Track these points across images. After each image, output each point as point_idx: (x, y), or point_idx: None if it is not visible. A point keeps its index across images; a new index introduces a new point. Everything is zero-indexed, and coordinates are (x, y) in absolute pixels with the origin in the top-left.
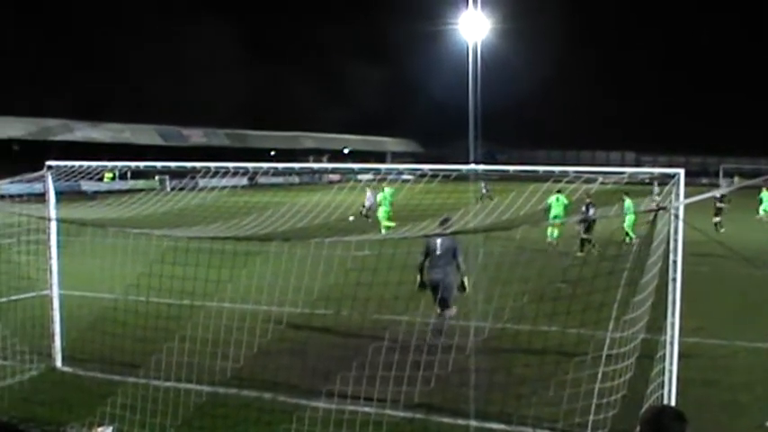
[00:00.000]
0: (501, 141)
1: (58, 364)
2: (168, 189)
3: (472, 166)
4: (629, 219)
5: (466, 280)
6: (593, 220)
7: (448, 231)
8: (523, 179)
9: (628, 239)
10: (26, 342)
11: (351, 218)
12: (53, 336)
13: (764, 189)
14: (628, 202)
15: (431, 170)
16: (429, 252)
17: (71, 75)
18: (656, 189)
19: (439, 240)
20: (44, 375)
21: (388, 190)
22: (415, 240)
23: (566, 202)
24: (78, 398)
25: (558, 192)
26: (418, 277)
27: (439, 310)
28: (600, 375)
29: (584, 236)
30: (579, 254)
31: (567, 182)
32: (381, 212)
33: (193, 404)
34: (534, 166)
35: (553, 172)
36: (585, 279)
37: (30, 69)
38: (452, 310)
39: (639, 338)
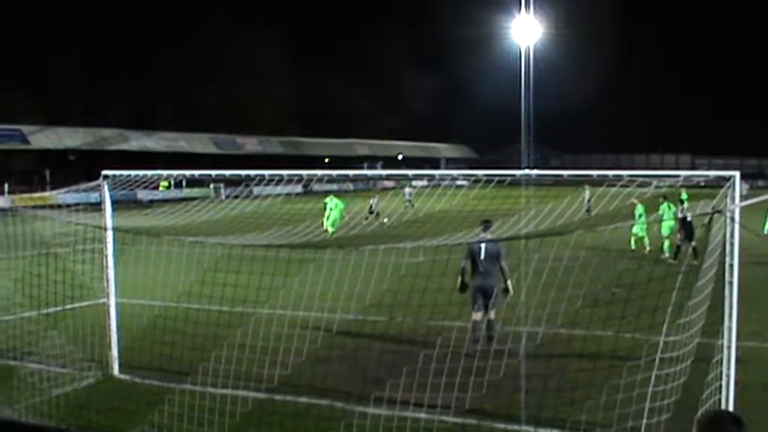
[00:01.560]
0: (555, 146)
1: (115, 371)
2: (223, 197)
3: (525, 171)
4: (667, 225)
5: (510, 283)
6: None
7: (502, 237)
8: (577, 184)
9: (667, 253)
10: (83, 350)
11: (385, 220)
12: (110, 343)
13: None
14: (665, 205)
15: (484, 176)
16: (473, 256)
17: (126, 84)
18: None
19: (483, 244)
20: (101, 383)
21: (336, 201)
22: (467, 247)
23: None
24: (134, 405)
25: (665, 198)
26: (459, 280)
27: (478, 315)
28: (653, 379)
29: (681, 242)
30: (673, 261)
31: (622, 186)
32: (331, 218)
33: (246, 411)
34: (587, 171)
35: (607, 176)
36: (640, 283)
37: (85, 79)
38: (493, 313)
39: (695, 342)
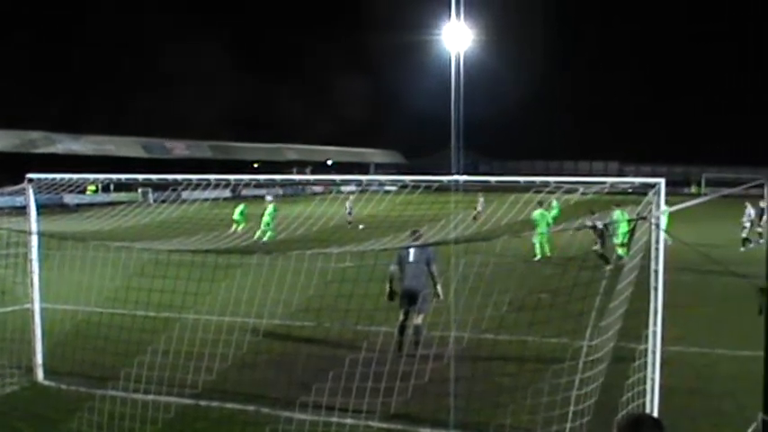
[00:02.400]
0: (485, 152)
1: (40, 378)
2: (151, 201)
3: (454, 176)
4: (621, 232)
5: (440, 288)
6: (603, 233)
7: (428, 242)
8: (505, 190)
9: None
10: (7, 356)
11: (360, 227)
12: (34, 349)
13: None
14: (618, 212)
15: (412, 181)
16: (401, 262)
17: (53, 87)
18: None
19: (412, 250)
20: (25, 389)
21: (271, 206)
22: (396, 252)
23: (553, 213)
24: (59, 412)
25: (617, 205)
26: (387, 287)
27: (402, 318)
28: (577, 383)
29: (598, 249)
30: (608, 267)
31: (548, 192)
32: (262, 223)
33: (172, 417)
34: (516, 177)
35: (534, 182)
36: (565, 288)
37: (11, 81)
38: (421, 318)
39: (611, 345)
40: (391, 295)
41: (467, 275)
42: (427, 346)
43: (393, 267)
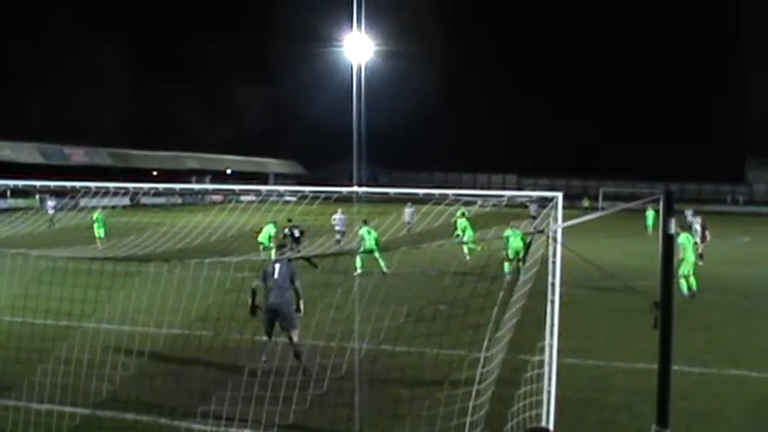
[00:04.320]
0: (385, 164)
1: None
2: (49, 211)
3: (354, 188)
4: (515, 246)
5: (302, 303)
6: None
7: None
8: (405, 201)
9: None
10: None
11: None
12: None
13: (649, 208)
14: (509, 230)
15: (312, 192)
16: (266, 278)
17: None
18: (533, 209)
19: (277, 265)
20: None
21: (100, 214)
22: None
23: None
24: None
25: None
26: (249, 301)
27: (267, 338)
28: (474, 394)
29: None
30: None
31: (447, 204)
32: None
33: (71, 426)
34: (415, 189)
35: (433, 195)
36: (463, 299)
37: None
38: (296, 335)
39: (501, 357)
40: (253, 310)
41: (365, 286)
42: (325, 356)
43: (257, 283)
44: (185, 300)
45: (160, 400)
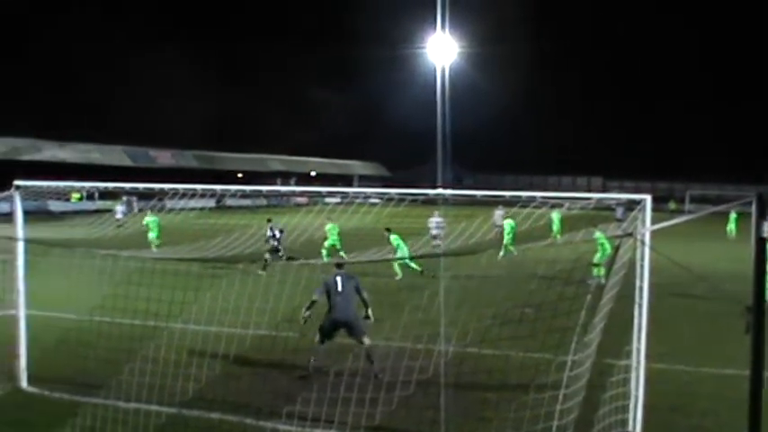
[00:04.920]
0: (468, 166)
1: (24, 384)
2: (135, 210)
3: (440, 190)
4: (605, 253)
5: (370, 311)
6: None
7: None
8: (490, 204)
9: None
10: None
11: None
12: (18, 356)
13: (732, 211)
14: (598, 233)
15: (398, 194)
16: (329, 291)
17: (39, 94)
18: (619, 212)
19: (340, 279)
20: (9, 396)
21: (151, 218)
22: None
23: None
24: (43, 419)
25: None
26: (306, 312)
27: (322, 342)
28: (561, 398)
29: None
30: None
31: (534, 207)
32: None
33: (156, 426)
34: (502, 191)
35: (520, 197)
36: (550, 303)
37: None
38: (368, 340)
39: (590, 361)
40: (306, 320)
41: (452, 289)
42: (413, 358)
43: (319, 297)
44: (272, 301)
45: (246, 401)
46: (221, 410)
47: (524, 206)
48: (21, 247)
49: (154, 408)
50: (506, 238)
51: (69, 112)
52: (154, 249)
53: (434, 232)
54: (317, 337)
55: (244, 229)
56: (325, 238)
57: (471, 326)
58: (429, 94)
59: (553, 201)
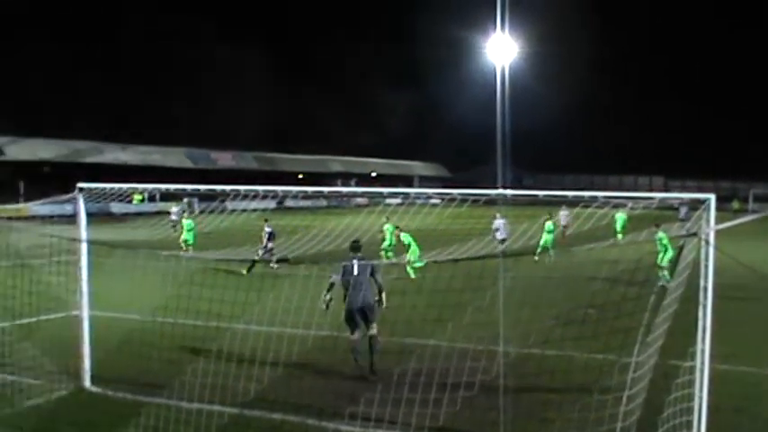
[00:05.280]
0: (528, 166)
1: (87, 384)
2: (197, 212)
3: (501, 190)
4: (667, 254)
5: (384, 296)
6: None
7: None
8: (553, 204)
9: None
10: (55, 362)
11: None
12: (82, 356)
13: None
14: (661, 234)
15: (460, 194)
16: (345, 274)
17: (101, 97)
18: (683, 212)
19: (356, 262)
20: (72, 395)
21: (187, 221)
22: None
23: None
24: (105, 418)
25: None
26: (326, 296)
27: (357, 335)
28: (624, 399)
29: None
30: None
31: (597, 207)
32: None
33: (218, 426)
34: (563, 191)
35: (582, 197)
36: (613, 303)
37: (60, 92)
38: (375, 329)
39: (653, 361)
40: (328, 304)
41: (514, 290)
42: (476, 359)
43: (335, 278)
44: (334, 302)
45: (308, 401)
46: (283, 411)
47: (587, 206)
48: (84, 248)
49: (216, 408)
50: (545, 239)
51: (131, 114)
52: (182, 253)
53: (499, 236)
54: (348, 331)
55: (306, 229)
56: (383, 239)
57: (534, 327)
58: (489, 95)
59: (616, 201)
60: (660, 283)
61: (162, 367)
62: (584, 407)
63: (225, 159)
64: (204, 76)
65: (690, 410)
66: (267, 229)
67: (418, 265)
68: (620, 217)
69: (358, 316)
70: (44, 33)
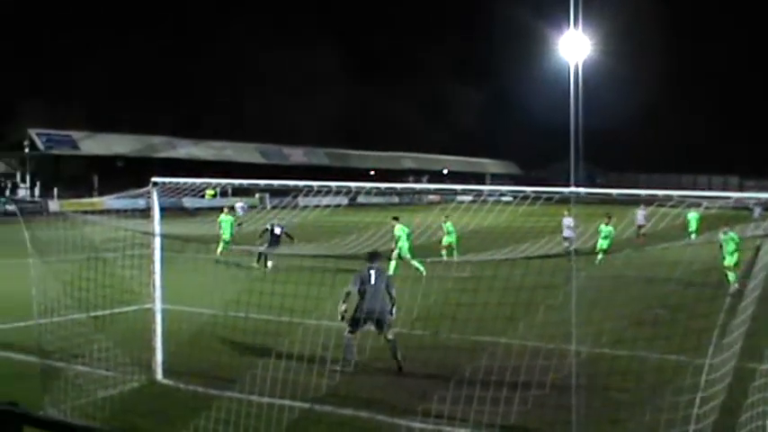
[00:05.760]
0: (600, 164)
1: (159, 376)
2: (268, 207)
3: (573, 188)
4: (733, 255)
5: (395, 309)
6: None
7: (549, 255)
8: (625, 203)
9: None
10: (128, 354)
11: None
12: (154, 349)
13: None
14: (732, 234)
15: (533, 192)
16: (363, 284)
17: (174, 93)
18: (757, 212)
19: (373, 273)
20: (145, 387)
21: (226, 217)
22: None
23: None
24: (177, 411)
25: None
26: (343, 306)
27: (355, 335)
28: (698, 401)
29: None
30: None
31: (671, 206)
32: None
33: (289, 421)
34: (637, 190)
35: (656, 196)
36: (686, 304)
37: (134, 87)
38: (391, 333)
39: (732, 364)
40: (344, 315)
41: (586, 288)
42: (547, 357)
43: (352, 288)
44: (407, 298)
45: (379, 397)
46: (354, 407)
47: (661, 205)
48: (157, 242)
49: (287, 402)
50: (601, 243)
51: (203, 110)
52: (218, 253)
53: (566, 234)
54: (348, 329)
55: (379, 226)
56: (444, 236)
57: (606, 326)
58: (561, 92)
59: (690, 200)
60: (733, 288)
61: (233, 361)
62: (656, 408)
63: (297, 155)
64: (276, 72)
65: (766, 414)
66: (277, 230)
67: (416, 263)
68: (694, 217)
69: (370, 323)
70: (119, 32)
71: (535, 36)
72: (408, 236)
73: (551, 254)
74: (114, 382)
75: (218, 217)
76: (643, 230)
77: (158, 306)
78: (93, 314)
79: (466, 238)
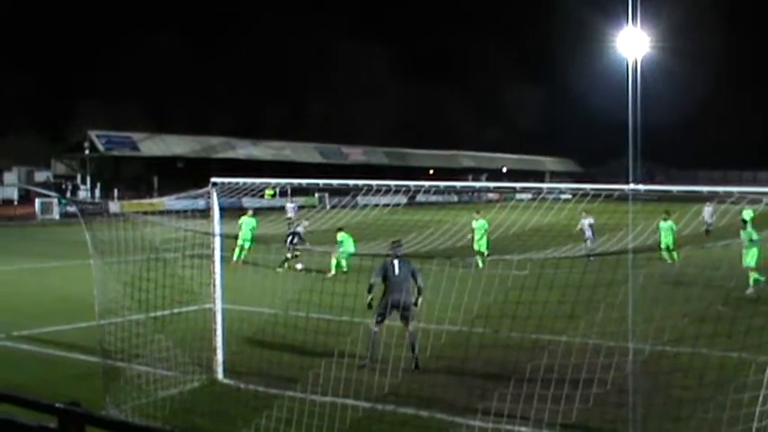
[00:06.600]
0: (659, 161)
1: (219, 376)
2: (327, 206)
3: (632, 185)
4: (754, 252)
5: (421, 299)
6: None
7: (609, 252)
8: (686, 200)
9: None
10: (188, 354)
11: None
12: (215, 348)
13: None
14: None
15: (592, 190)
16: (386, 275)
17: (233, 94)
18: None
19: (397, 262)
20: (205, 387)
21: (248, 219)
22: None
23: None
24: (238, 410)
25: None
26: (368, 297)
27: (379, 327)
28: (761, 399)
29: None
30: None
31: (732, 203)
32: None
33: (351, 420)
34: (697, 186)
35: (717, 192)
36: (749, 302)
37: (193, 89)
38: (413, 325)
39: None
40: (370, 304)
41: (647, 286)
42: (608, 355)
43: (376, 279)
44: (467, 297)
45: (440, 396)
46: (415, 405)
47: (721, 202)
48: (217, 242)
49: (349, 402)
50: (665, 242)
51: (262, 110)
52: (235, 258)
53: (587, 234)
54: (374, 320)
55: (438, 225)
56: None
57: (667, 324)
58: (620, 89)
59: (751, 196)
60: (750, 291)
61: (294, 360)
62: (719, 406)
63: (356, 154)
64: (335, 71)
65: None
66: (299, 229)
67: (344, 262)
68: (748, 213)
69: (396, 314)
70: (178, 32)
71: (593, 33)
72: (485, 231)
73: (609, 252)
74: (175, 381)
75: (239, 219)
76: (710, 227)
77: (219, 306)
78: (153, 314)
79: (527, 236)
